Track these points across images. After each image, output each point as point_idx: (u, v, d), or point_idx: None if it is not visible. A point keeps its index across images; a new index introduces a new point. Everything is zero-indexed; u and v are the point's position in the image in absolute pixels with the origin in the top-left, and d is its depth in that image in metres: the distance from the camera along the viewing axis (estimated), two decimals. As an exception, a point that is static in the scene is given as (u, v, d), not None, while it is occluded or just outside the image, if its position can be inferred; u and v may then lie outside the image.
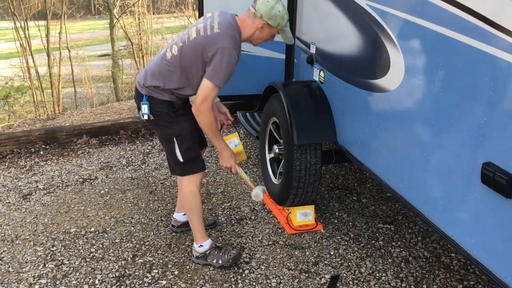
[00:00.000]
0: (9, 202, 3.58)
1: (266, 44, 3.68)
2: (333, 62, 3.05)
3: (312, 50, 3.35)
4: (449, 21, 1.94)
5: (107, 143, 4.76)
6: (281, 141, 3.42)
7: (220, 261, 2.83)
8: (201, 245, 2.87)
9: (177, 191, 3.44)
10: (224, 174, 4.08)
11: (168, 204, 3.55)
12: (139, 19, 14.02)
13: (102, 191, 3.76)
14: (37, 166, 4.19)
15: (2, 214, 3.41)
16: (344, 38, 2.87)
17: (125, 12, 12.16)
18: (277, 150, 3.42)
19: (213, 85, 2.50)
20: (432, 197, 2.15)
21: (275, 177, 3.52)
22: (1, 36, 22.05)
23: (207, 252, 2.86)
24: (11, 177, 3.99)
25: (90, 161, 4.32)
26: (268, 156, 3.62)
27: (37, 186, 3.82)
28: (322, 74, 3.22)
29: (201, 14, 3.67)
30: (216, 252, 2.86)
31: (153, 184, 3.89)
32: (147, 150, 4.58)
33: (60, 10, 11.89)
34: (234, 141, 3.04)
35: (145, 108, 2.65)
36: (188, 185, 2.79)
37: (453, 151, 1.98)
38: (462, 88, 1.91)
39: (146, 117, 2.67)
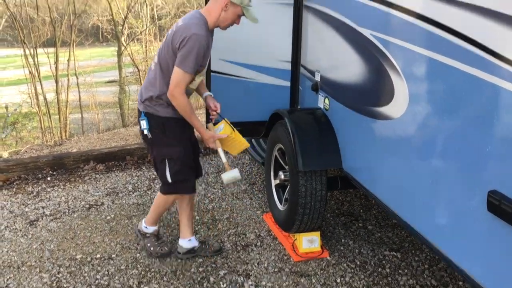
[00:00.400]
0: (16, 228, 3.59)
1: (271, 71, 3.78)
2: (338, 89, 3.09)
3: (317, 77, 3.39)
4: (451, 51, 1.97)
5: (114, 169, 4.79)
6: (287, 167, 3.44)
7: (151, 248, 3.21)
8: (146, 226, 3.25)
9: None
10: (230, 200, 4.09)
11: (174, 230, 3.55)
12: (146, 47, 14.27)
13: (108, 217, 3.77)
14: (44, 192, 4.22)
15: (8, 240, 3.42)
16: (348, 66, 2.92)
17: (133, 40, 12.36)
18: (282, 177, 3.43)
19: (183, 71, 2.65)
20: (438, 225, 2.15)
21: (281, 203, 3.52)
22: (11, 63, 22.44)
23: (147, 235, 3.25)
24: (18, 203, 4.01)
25: (97, 187, 4.34)
26: (274, 182, 3.64)
27: (43, 212, 3.84)
28: (327, 101, 3.26)
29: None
30: (153, 240, 3.24)
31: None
32: (153, 176, 4.60)
33: (69, 38, 12.13)
34: (220, 127, 3.09)
35: (143, 123, 2.84)
36: (166, 197, 3.06)
37: (459, 179, 1.99)
38: (466, 116, 1.93)
39: (145, 132, 2.84)
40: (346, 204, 4.03)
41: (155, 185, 4.41)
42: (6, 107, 10.91)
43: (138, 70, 13.40)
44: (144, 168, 4.82)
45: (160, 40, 16.09)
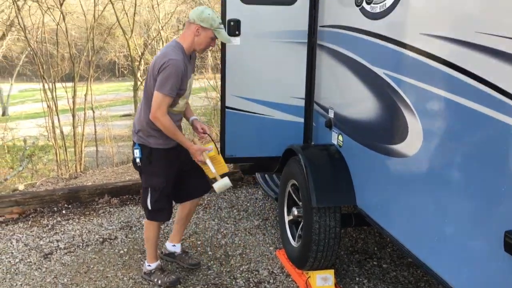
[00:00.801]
0: (30, 261, 3.61)
1: (284, 107, 3.84)
2: (351, 126, 3.12)
3: (331, 114, 3.43)
4: (465, 91, 2.00)
5: (128, 202, 4.82)
6: (300, 203, 3.44)
7: (159, 282, 3.27)
8: (149, 265, 3.33)
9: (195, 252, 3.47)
10: (243, 235, 4.08)
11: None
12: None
13: (122, 251, 3.77)
14: (59, 225, 4.26)
15: (23, 274, 3.43)
16: (362, 104, 2.95)
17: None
18: (296, 213, 3.43)
19: (162, 94, 2.86)
20: (455, 265, 2.13)
21: (294, 240, 3.51)
22: (29, 97, 22.94)
23: (152, 271, 3.32)
24: (33, 235, 4.05)
25: (111, 221, 4.37)
26: (287, 218, 3.63)
27: (58, 246, 3.87)
28: (340, 138, 3.28)
29: (223, 76, 3.81)
30: (159, 273, 3.31)
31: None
32: (167, 211, 4.62)
33: (86, 73, 12.40)
34: (208, 147, 3.16)
35: (136, 152, 3.08)
36: (149, 223, 3.26)
37: (475, 218, 1.99)
38: (480, 156, 1.94)
39: (138, 160, 3.08)
40: (360, 241, 3.99)
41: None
42: (25, 141, 11.09)
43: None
44: (157, 202, 4.84)
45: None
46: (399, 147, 2.54)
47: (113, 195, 4.85)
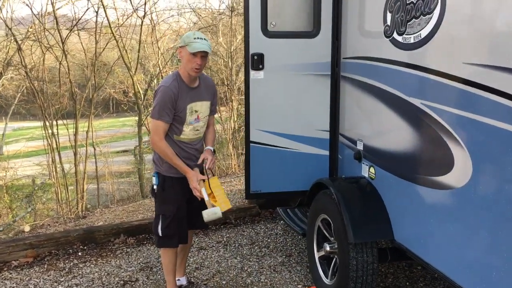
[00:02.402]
0: (51, 308, 3.46)
1: (309, 140, 3.78)
2: (385, 159, 3.05)
3: (359, 146, 3.37)
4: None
5: (145, 242, 4.68)
6: (332, 238, 3.34)
7: None
8: None
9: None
10: (268, 273, 3.94)
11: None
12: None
13: (145, 294, 3.63)
14: (76, 268, 4.10)
15: (44, 321, 3.28)
16: (396, 135, 2.90)
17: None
18: (328, 249, 3.32)
19: (153, 119, 3.03)
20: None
21: (327, 277, 3.38)
22: (25, 135, 22.81)
23: None
24: (50, 280, 3.89)
25: (129, 262, 4.22)
26: (317, 255, 3.52)
27: (78, 290, 3.71)
28: (372, 170, 3.21)
29: (247, 110, 3.77)
30: None
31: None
32: (186, 249, 4.48)
33: (86, 110, 12.38)
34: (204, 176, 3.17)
35: (154, 179, 3.21)
36: (165, 250, 3.30)
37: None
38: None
39: (155, 187, 3.20)
40: (390, 276, 3.87)
41: (188, 258, 4.28)
42: (33, 180, 10.93)
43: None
44: (175, 240, 4.71)
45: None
46: (443, 179, 2.47)
47: (129, 235, 4.71)
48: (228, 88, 10.24)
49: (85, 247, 4.52)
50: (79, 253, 4.41)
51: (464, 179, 2.32)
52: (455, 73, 2.36)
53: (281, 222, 5.17)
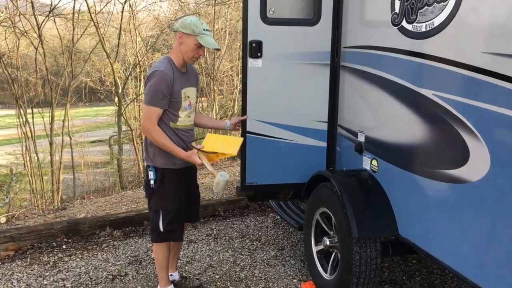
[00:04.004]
0: (36, 304, 3.28)
1: (308, 132, 3.68)
2: (390, 151, 2.97)
3: (361, 138, 3.29)
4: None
5: (132, 235, 4.52)
6: (331, 232, 3.26)
7: None
8: None
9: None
10: (262, 267, 3.84)
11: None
12: (139, 107, 14.20)
13: (135, 290, 3.48)
14: (61, 262, 3.92)
15: (30, 319, 3.10)
16: (404, 127, 2.81)
17: (133, 100, 12.24)
18: (328, 243, 3.23)
19: (146, 105, 2.88)
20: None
21: (326, 272, 3.30)
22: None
23: None
24: (35, 274, 3.70)
25: (117, 255, 4.06)
26: (315, 249, 3.43)
27: (64, 285, 3.54)
28: (375, 162, 3.13)
29: (244, 99, 3.64)
30: None
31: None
32: (175, 242, 4.34)
33: (63, 99, 12.00)
34: (200, 146, 3.03)
35: (151, 174, 3.02)
36: (159, 245, 3.14)
37: None
38: None
39: (152, 182, 3.01)
40: (385, 270, 3.81)
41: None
42: (11, 170, 10.52)
43: (131, 130, 13.21)
44: (163, 233, 4.56)
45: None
46: (457, 172, 2.40)
47: (115, 227, 4.54)
48: (210, 78, 10.04)
49: (70, 240, 4.33)
50: (64, 246, 4.22)
51: (480, 173, 2.25)
52: (472, 62, 2.27)
53: (271, 214, 5.08)
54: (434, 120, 2.55)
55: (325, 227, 3.33)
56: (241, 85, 3.63)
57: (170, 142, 2.93)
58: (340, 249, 3.06)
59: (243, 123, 3.57)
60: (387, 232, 2.98)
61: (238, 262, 3.96)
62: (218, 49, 2.98)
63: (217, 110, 10.15)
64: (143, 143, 3.16)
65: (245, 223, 4.84)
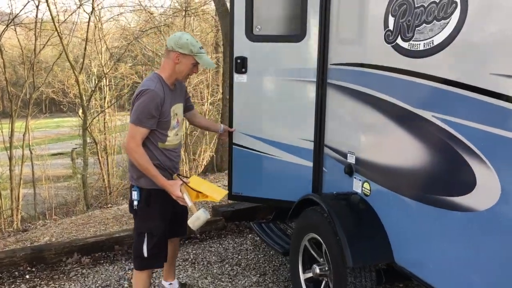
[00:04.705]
0: None
1: (292, 149, 3.56)
2: (385, 175, 2.82)
3: (351, 160, 3.13)
4: None
5: (102, 261, 4.21)
6: (321, 260, 3.08)
7: None
8: None
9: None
10: (244, 296, 3.62)
11: None
12: (104, 119, 13.79)
13: (109, 325, 3.19)
14: (25, 295, 3.58)
15: None
16: (400, 150, 2.67)
17: (99, 114, 11.81)
18: (318, 271, 3.04)
19: (133, 125, 2.75)
20: None
21: (316, 302, 3.11)
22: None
23: None
24: (-5, 310, 3.36)
25: (86, 285, 3.75)
26: (303, 277, 3.24)
27: (28, 322, 3.22)
28: (367, 186, 2.98)
29: (231, 112, 3.58)
30: None
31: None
32: (150, 269, 4.06)
33: (23, 111, 11.49)
34: (185, 180, 2.95)
35: (134, 194, 2.89)
36: (141, 273, 2.99)
37: None
38: None
39: (135, 203, 2.88)
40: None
41: (154, 279, 3.88)
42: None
43: (96, 143, 12.76)
44: (136, 259, 4.27)
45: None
46: (462, 200, 2.26)
47: (84, 253, 4.22)
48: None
49: (34, 269, 3.99)
50: (27, 276, 3.88)
51: (489, 201, 2.12)
52: (479, 84, 2.15)
53: (250, 235, 4.87)
54: (434, 144, 2.41)
55: (314, 254, 3.15)
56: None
57: (151, 166, 2.80)
58: (332, 279, 2.88)
59: (230, 134, 3.59)
60: (383, 261, 2.83)
61: (219, 290, 3.73)
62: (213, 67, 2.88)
63: (187, 125, 9.85)
64: (128, 162, 3.02)
65: (223, 245, 4.60)
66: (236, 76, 3.50)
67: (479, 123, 2.16)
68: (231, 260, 4.26)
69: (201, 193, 2.94)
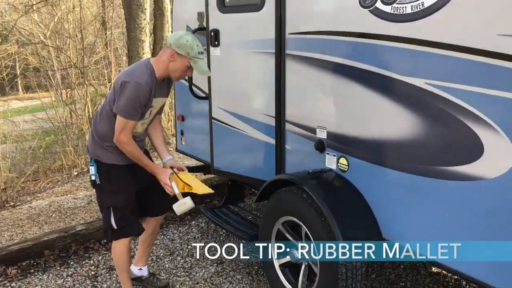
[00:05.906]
0: None
1: (256, 124, 3.35)
2: (368, 148, 2.65)
3: (321, 135, 2.95)
4: None
5: (32, 270, 3.64)
6: (300, 243, 2.88)
7: None
8: None
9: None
10: (208, 289, 3.34)
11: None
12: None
13: None
14: None
15: None
16: (388, 122, 2.50)
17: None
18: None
19: (123, 118, 2.71)
20: None
21: (294, 288, 2.93)
22: None
23: None
24: None
25: (21, 302, 3.21)
26: (278, 262, 3.03)
27: None
28: (343, 161, 2.82)
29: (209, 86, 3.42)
30: None
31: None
32: (92, 272, 3.59)
33: None
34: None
35: (92, 169, 2.88)
36: (117, 244, 2.96)
37: None
38: None
39: (93, 178, 2.88)
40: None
41: (99, 284, 3.43)
42: None
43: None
44: (72, 263, 3.75)
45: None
46: (467, 168, 2.17)
47: (9, 264, 3.61)
48: (80, 71, 8.90)
49: None
50: None
51: (500, 168, 2.05)
52: (484, 47, 2.05)
53: (193, 222, 4.55)
54: (430, 112, 2.29)
55: (290, 237, 2.95)
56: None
57: (144, 158, 2.86)
58: (321, 262, 2.69)
59: (210, 107, 3.51)
60: (373, 237, 2.69)
61: (177, 285, 3.40)
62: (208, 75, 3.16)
63: (90, 108, 9.00)
64: (89, 135, 2.94)
65: (168, 236, 4.24)
66: (212, 50, 3.38)
67: (485, 87, 2.07)
68: (181, 252, 3.93)
69: (187, 185, 2.86)
